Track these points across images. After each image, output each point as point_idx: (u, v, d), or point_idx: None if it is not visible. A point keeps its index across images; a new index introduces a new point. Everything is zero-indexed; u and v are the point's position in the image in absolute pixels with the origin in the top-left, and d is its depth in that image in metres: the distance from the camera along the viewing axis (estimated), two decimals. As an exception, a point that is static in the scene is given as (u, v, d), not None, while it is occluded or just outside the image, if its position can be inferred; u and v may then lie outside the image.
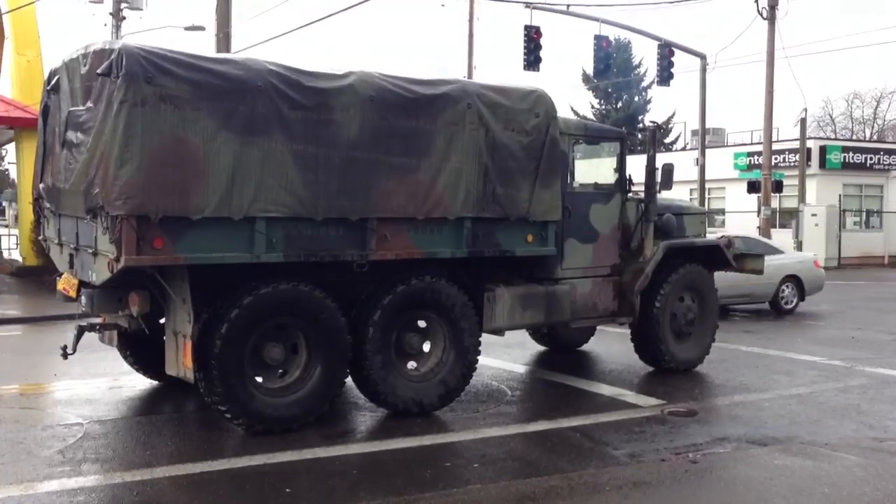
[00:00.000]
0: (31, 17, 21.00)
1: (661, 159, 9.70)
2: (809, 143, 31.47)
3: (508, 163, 7.86)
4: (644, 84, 45.75)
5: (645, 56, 50.57)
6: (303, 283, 6.95)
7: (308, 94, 6.82)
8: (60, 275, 7.82)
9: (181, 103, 6.24)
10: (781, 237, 28.10)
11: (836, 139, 43.81)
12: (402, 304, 7.51)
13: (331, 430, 7.13)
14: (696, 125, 29.14)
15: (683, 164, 23.51)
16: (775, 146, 28.55)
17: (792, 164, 31.22)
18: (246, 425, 6.86)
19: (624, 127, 14.46)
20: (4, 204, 38.27)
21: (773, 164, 27.24)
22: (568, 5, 24.59)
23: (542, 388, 9.19)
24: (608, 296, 9.24)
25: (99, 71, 6.29)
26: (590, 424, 7.48)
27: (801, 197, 29.74)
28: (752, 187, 27.11)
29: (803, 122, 30.12)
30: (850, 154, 32.92)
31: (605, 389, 8.93)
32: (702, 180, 27.51)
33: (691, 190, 29.72)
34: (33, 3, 20.47)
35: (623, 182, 9.42)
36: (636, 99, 47.09)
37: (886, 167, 33.44)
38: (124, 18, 32.22)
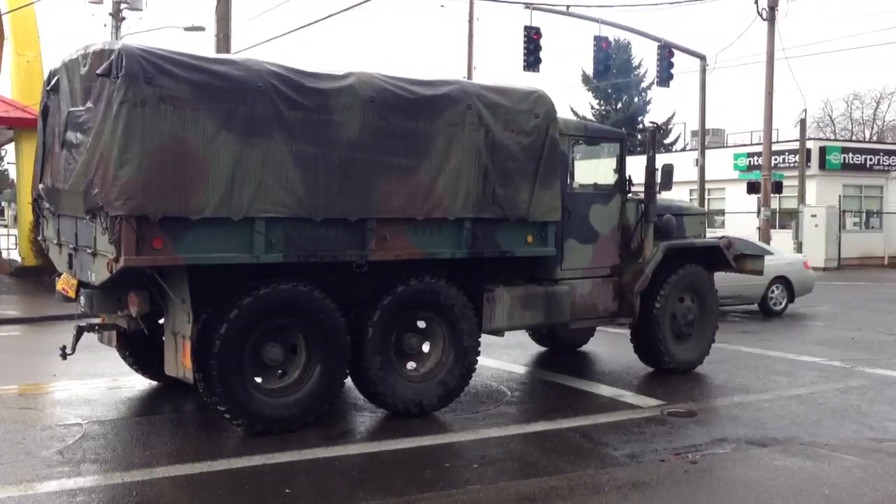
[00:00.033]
0: (31, 17, 21.00)
1: (661, 160, 9.71)
2: (809, 144, 31.48)
3: (508, 163, 7.86)
4: (644, 85, 45.78)
5: (645, 57, 50.70)
6: (302, 283, 6.95)
7: (308, 94, 6.82)
8: (59, 275, 7.82)
9: (181, 104, 6.24)
10: (781, 238, 28.15)
11: (835, 140, 43.83)
12: (402, 305, 7.51)
13: (330, 430, 7.13)
14: (696, 126, 29.15)
15: (683, 164, 23.51)
16: (775, 147, 28.54)
17: (792, 164, 31.23)
18: (245, 426, 6.86)
19: (624, 128, 14.45)
20: (4, 204, 38.26)
21: (772, 164, 27.24)
22: (568, 6, 24.61)
23: (542, 389, 9.18)
24: (608, 296, 9.24)
25: (99, 71, 6.28)
26: (589, 425, 7.48)
27: (801, 198, 29.75)
28: (752, 188, 27.11)
29: (803, 122, 30.13)
30: (850, 155, 32.92)
31: (605, 390, 8.92)
32: (701, 181, 27.52)
33: (691, 191, 29.72)
34: (33, 3, 20.47)
35: (623, 183, 9.42)
36: (636, 100, 47.09)
37: (886, 168, 33.45)
38: (124, 19, 32.25)
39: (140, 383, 8.71)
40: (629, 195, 9.49)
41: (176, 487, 5.83)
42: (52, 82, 7.48)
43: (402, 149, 7.25)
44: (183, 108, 6.24)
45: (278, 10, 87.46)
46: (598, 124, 29.56)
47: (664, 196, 10.04)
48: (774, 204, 29.16)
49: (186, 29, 29.15)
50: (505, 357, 10.56)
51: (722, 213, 33.80)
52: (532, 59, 23.15)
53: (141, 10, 32.14)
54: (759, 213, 26.44)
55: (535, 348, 11.27)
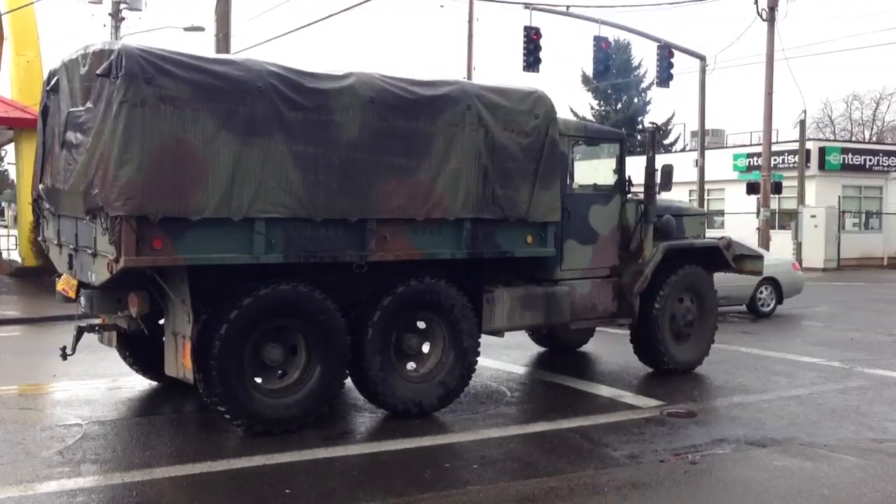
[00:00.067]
0: (31, 17, 21.00)
1: (661, 160, 9.70)
2: (809, 145, 31.48)
3: (508, 164, 7.86)
4: (643, 85, 45.78)
5: (644, 57, 50.62)
6: (302, 284, 6.95)
7: (308, 95, 6.82)
8: (60, 275, 7.82)
9: (181, 104, 6.24)
10: (781, 238, 28.18)
11: (835, 141, 43.85)
12: (402, 305, 7.51)
13: (330, 430, 7.13)
14: (696, 126, 29.18)
15: (683, 165, 23.50)
16: (774, 147, 28.56)
17: (791, 165, 31.24)
18: (245, 426, 6.86)
19: (623, 128, 14.46)
20: (4, 204, 38.25)
21: (772, 165, 27.26)
22: (567, 6, 24.63)
23: (542, 390, 9.19)
24: (607, 297, 9.24)
25: (98, 71, 6.28)
26: (589, 425, 7.48)
27: (801, 198, 29.75)
28: (752, 188, 27.13)
29: (802, 123, 30.13)
30: (850, 155, 32.94)
31: (605, 391, 8.93)
32: (701, 181, 27.54)
33: (690, 191, 29.73)
34: (33, 3, 20.47)
35: (622, 183, 9.42)
36: (636, 100, 47.09)
37: (885, 169, 33.46)
38: (123, 19, 32.29)
39: (140, 384, 8.71)
40: (629, 196, 9.49)
41: (176, 488, 5.84)
42: (52, 82, 7.48)
43: (402, 149, 7.25)
44: (183, 108, 6.24)
45: (278, 10, 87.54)
46: (598, 125, 29.60)
47: (664, 196, 10.04)
48: (774, 204, 29.18)
49: (186, 29, 29.18)
50: (505, 357, 10.56)
51: (721, 213, 33.81)
52: (532, 60, 23.17)
53: (140, 10, 32.19)
54: (758, 213, 26.46)
55: (535, 349, 11.27)
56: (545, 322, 8.82)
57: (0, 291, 16.89)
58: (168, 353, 7.05)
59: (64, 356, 7.58)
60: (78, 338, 7.74)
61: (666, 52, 25.07)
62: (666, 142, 46.05)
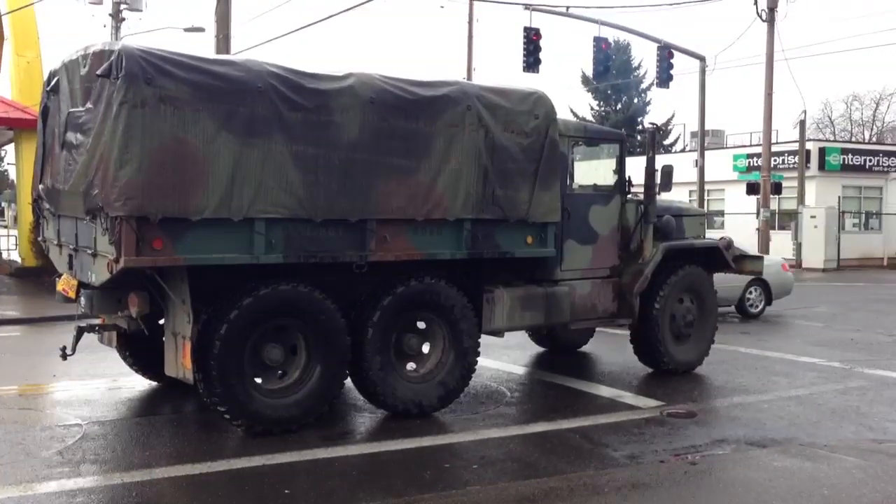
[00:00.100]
0: (31, 18, 21.00)
1: (661, 161, 9.70)
2: (808, 145, 31.50)
3: (508, 164, 7.86)
4: (643, 86, 45.81)
5: (644, 58, 50.56)
6: (302, 284, 6.95)
7: (308, 95, 6.82)
8: (60, 276, 7.82)
9: (181, 104, 6.24)
10: (780, 239, 28.20)
11: (835, 141, 43.84)
12: (402, 306, 7.51)
13: (330, 431, 7.13)
14: (696, 127, 29.20)
15: (683, 165, 23.52)
16: (774, 148, 28.59)
17: (791, 165, 31.26)
18: (245, 426, 6.86)
19: (623, 128, 14.44)
20: (4, 205, 38.27)
21: (772, 165, 27.29)
22: (567, 7, 24.64)
23: (542, 390, 9.19)
24: (607, 297, 9.24)
25: (98, 72, 6.29)
26: (589, 426, 7.48)
27: (801, 199, 29.77)
28: (752, 189, 27.15)
29: (802, 123, 30.15)
30: (850, 156, 32.94)
31: (605, 391, 8.93)
32: (701, 182, 27.56)
33: (690, 191, 29.74)
34: (33, 3, 20.47)
35: (622, 184, 9.42)
36: (635, 101, 47.10)
37: (885, 169, 33.46)
38: (124, 20, 32.32)
39: (140, 384, 8.71)
40: (629, 196, 9.49)
41: (176, 488, 5.84)
42: (52, 83, 7.48)
43: (402, 150, 7.25)
44: (183, 108, 6.25)
45: (278, 11, 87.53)
46: (598, 125, 29.60)
47: (664, 197, 10.04)
48: (774, 205, 29.21)
49: (186, 30, 29.19)
50: (505, 358, 10.56)
51: (721, 214, 33.83)
52: (532, 60, 23.19)
53: (141, 10, 32.23)
54: (758, 214, 26.48)
55: (535, 349, 11.27)
56: (545, 322, 8.82)
57: (0, 291, 16.90)
58: (168, 354, 7.05)
59: (64, 356, 7.58)
60: (78, 338, 7.74)
61: (666, 53, 25.08)
62: (666, 142, 46.06)
